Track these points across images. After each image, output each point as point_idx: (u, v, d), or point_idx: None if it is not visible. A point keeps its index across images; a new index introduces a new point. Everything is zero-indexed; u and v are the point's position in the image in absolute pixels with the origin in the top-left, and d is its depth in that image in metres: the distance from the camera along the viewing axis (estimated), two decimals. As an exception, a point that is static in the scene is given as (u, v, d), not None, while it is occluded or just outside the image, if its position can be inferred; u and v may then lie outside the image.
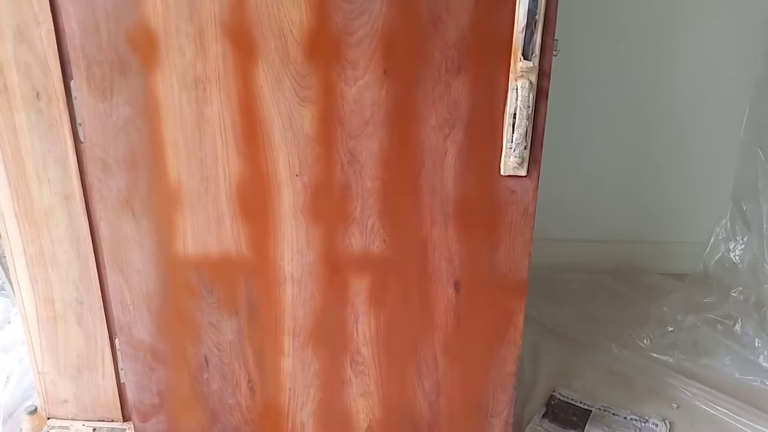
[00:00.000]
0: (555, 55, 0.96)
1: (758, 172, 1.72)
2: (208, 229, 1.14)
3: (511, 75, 0.97)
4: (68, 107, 1.18)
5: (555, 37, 0.96)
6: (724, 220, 1.84)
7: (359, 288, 1.17)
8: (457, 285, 1.15)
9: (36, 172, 1.23)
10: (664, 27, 1.77)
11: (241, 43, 1.02)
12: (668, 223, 1.98)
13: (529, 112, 0.96)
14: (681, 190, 1.94)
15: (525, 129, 0.97)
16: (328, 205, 1.11)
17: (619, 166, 1.92)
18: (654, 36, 1.77)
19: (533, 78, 0.96)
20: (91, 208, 1.24)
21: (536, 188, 1.05)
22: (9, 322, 1.70)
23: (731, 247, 1.83)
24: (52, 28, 1.11)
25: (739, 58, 1.78)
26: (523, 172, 1.03)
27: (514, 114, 0.97)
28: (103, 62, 1.06)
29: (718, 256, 1.85)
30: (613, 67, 1.80)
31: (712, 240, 1.86)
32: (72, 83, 1.14)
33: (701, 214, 1.92)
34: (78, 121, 1.17)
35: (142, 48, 1.04)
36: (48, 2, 1.10)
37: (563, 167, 1.82)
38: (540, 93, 0.98)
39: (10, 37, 1.13)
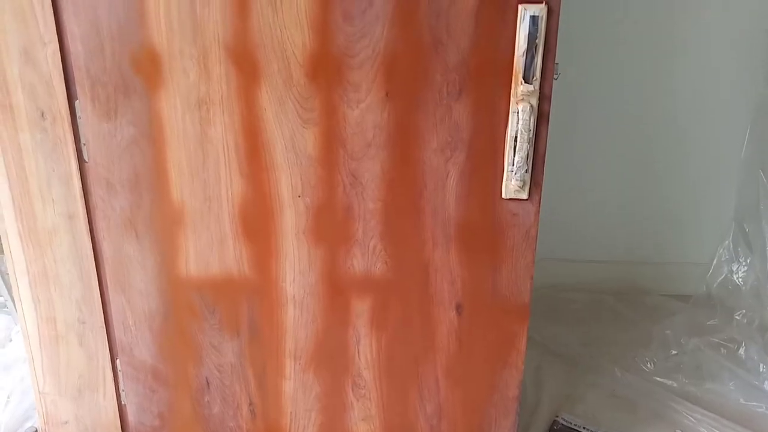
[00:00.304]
0: (556, 79, 0.96)
1: (760, 194, 1.71)
2: (210, 249, 1.14)
3: (512, 98, 0.97)
4: (73, 127, 1.18)
5: (555, 61, 0.96)
6: (726, 242, 1.84)
7: (361, 310, 1.16)
8: (459, 307, 1.14)
9: (40, 192, 1.23)
10: (663, 47, 1.77)
11: (245, 65, 1.03)
12: (671, 244, 1.97)
13: (530, 136, 0.97)
14: (683, 211, 1.94)
15: (526, 152, 0.97)
16: (330, 226, 1.11)
17: (620, 185, 1.92)
18: (653, 57, 1.78)
19: (534, 101, 0.96)
20: (94, 228, 1.24)
21: (538, 211, 1.05)
22: (10, 341, 1.70)
23: (734, 268, 1.82)
24: (58, 48, 1.12)
25: (739, 79, 1.78)
26: (524, 196, 1.03)
27: (516, 137, 0.98)
28: (108, 83, 1.07)
29: (721, 278, 1.84)
30: (613, 88, 1.81)
31: (714, 261, 1.85)
32: (77, 103, 1.15)
33: (704, 234, 1.91)
34: (82, 141, 1.18)
35: (147, 69, 1.05)
36: (54, 23, 1.11)
37: (565, 187, 1.82)
38: (541, 116, 0.98)
39: (16, 57, 1.14)
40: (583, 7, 1.68)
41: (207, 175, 1.10)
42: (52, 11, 1.05)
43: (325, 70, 1.02)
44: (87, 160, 1.17)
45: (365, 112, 1.03)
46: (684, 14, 1.74)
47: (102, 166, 1.13)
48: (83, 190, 1.22)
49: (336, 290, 1.15)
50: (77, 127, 1.18)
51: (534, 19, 0.92)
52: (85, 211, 1.24)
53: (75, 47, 1.06)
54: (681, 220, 1.95)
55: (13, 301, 1.35)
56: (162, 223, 1.14)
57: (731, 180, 1.85)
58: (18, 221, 1.25)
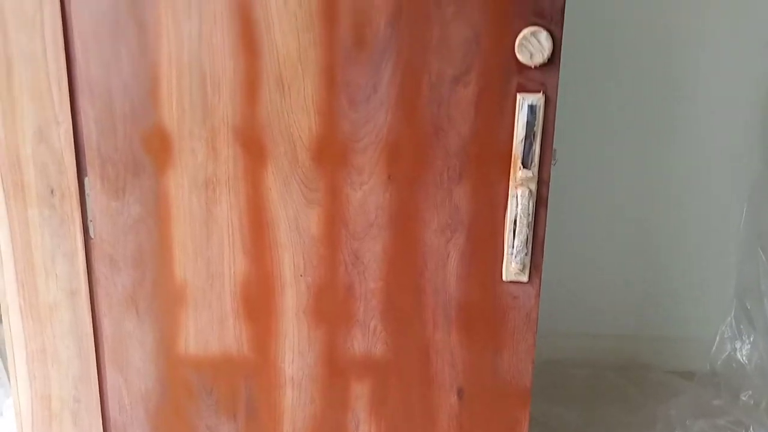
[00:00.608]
0: (554, 164, 0.99)
1: (760, 272, 1.71)
2: (210, 328, 1.14)
3: (511, 183, 1.00)
4: (80, 204, 1.21)
5: (553, 147, 0.99)
6: (728, 319, 1.82)
7: (360, 392, 1.15)
8: (460, 392, 1.12)
9: (44, 267, 1.24)
10: (660, 127, 1.81)
11: (252, 146, 1.06)
12: (673, 319, 1.96)
13: (530, 220, 0.98)
14: (685, 287, 1.93)
15: (526, 236, 0.99)
16: (331, 305, 1.11)
17: (622, 260, 1.92)
18: (650, 136, 1.82)
19: (533, 186, 0.98)
20: (95, 305, 1.24)
21: (538, 294, 1.05)
22: (1, 414, 1.66)
23: (737, 346, 1.80)
24: (71, 128, 1.16)
25: (736, 154, 1.81)
26: (524, 278, 1.04)
27: (515, 221, 0.99)
28: (118, 162, 1.10)
29: (724, 356, 1.81)
30: (612, 167, 1.84)
31: (717, 338, 1.83)
32: (86, 180, 1.17)
33: (706, 310, 1.90)
34: (89, 217, 1.20)
35: (157, 149, 1.08)
36: (69, 104, 1.15)
37: (567, 262, 1.82)
38: (540, 200, 1.00)
39: (30, 137, 1.17)
40: (579, 92, 1.73)
41: (210, 253, 1.11)
42: (68, 92, 1.09)
43: (330, 153, 1.04)
44: (93, 237, 1.18)
45: (368, 194, 1.05)
46: (679, 93, 1.79)
47: (107, 242, 1.14)
48: (87, 266, 1.23)
49: (335, 371, 1.14)
50: (85, 203, 1.20)
51: (532, 108, 0.95)
52: (88, 287, 1.24)
53: (88, 127, 1.09)
54: (683, 296, 1.94)
55: (8, 372, 1.33)
56: (164, 301, 1.14)
57: (730, 256, 1.86)
58: (20, 296, 1.26)
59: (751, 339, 1.76)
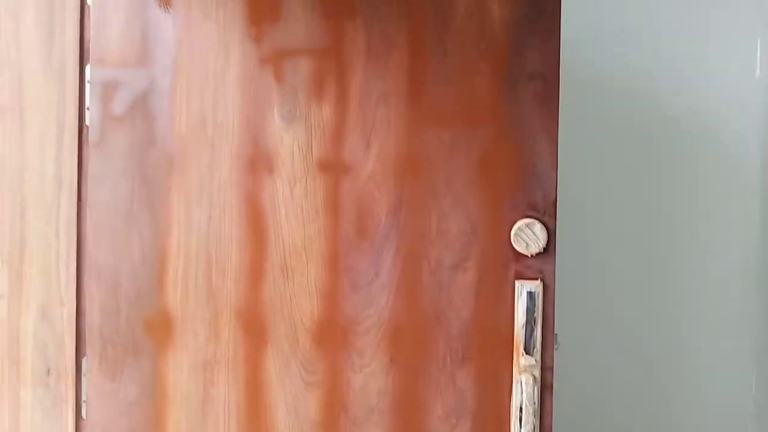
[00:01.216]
0: (556, 349, 0.99)
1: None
2: None
3: (514, 368, 0.99)
4: (75, 384, 1.18)
5: (555, 331, 1.00)
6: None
7: None
8: None
9: (31, 450, 1.19)
10: (663, 294, 1.82)
11: (253, 328, 1.06)
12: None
13: (536, 408, 0.96)
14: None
15: (532, 426, 0.96)
16: (328, 497, 1.06)
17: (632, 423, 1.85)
18: (654, 301, 1.82)
19: (537, 372, 0.98)
20: (80, 493, 1.18)
21: (547, 486, 1.01)
22: None
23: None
24: (74, 309, 1.17)
25: (742, 320, 1.80)
26: (532, 469, 1.00)
27: (521, 408, 0.98)
28: (118, 343, 1.09)
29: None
30: (622, 339, 1.82)
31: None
32: (84, 361, 1.16)
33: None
34: (83, 398, 1.17)
35: (159, 331, 1.08)
36: (75, 285, 1.17)
37: (578, 421, 1.75)
38: (544, 387, 0.99)
39: (34, 315, 1.18)
40: (576, 275, 1.75)
41: (205, 437, 1.08)
42: (75, 274, 1.11)
43: (331, 335, 1.05)
44: (84, 418, 1.15)
45: (369, 377, 1.04)
46: (683, 257, 1.81)
47: (99, 425, 1.11)
48: (76, 449, 1.19)
49: None
50: (80, 384, 1.18)
51: (531, 295, 0.98)
52: (74, 474, 1.19)
53: (91, 309, 1.10)
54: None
55: None
56: (153, 490, 1.08)
57: (746, 422, 1.79)
58: (1, 483, 1.19)
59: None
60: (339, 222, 1.02)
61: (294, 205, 1.03)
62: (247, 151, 1.04)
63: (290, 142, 1.04)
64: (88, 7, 1.08)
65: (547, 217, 0.96)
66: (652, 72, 1.78)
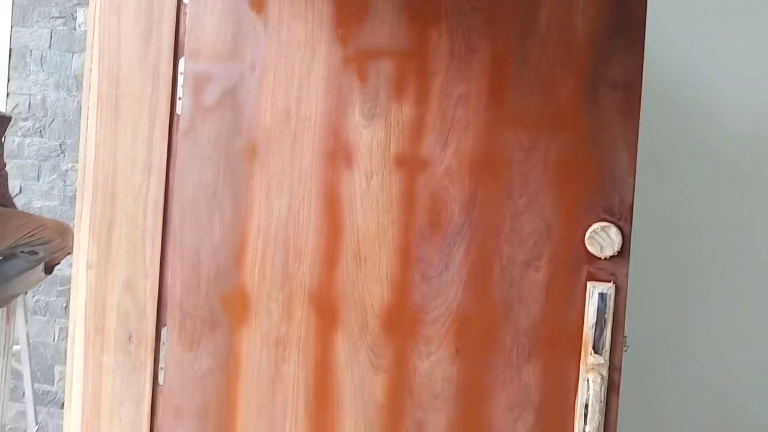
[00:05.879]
0: (625, 351, 0.99)
1: None
2: (267, 489, 1.13)
3: (581, 366, 1.00)
4: (155, 352, 1.25)
5: (624, 333, 1.00)
6: None
7: None
8: None
9: (110, 411, 1.27)
10: (729, 315, 1.78)
11: (325, 311, 1.10)
12: None
13: (602, 406, 0.97)
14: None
15: (598, 422, 0.98)
16: (390, 476, 1.10)
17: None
18: (721, 318, 1.79)
19: (604, 372, 0.99)
20: (155, 454, 1.25)
21: (609, 484, 1.02)
22: None
23: None
24: (158, 281, 1.23)
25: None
26: (594, 465, 1.01)
27: (586, 405, 0.99)
28: (197, 317, 1.15)
29: None
30: (688, 356, 1.80)
31: None
32: (164, 330, 1.23)
33: None
34: (161, 365, 1.24)
35: (234, 308, 1.13)
36: (159, 260, 1.23)
37: None
38: (611, 387, 0.99)
39: (118, 287, 1.25)
40: (650, 281, 1.73)
41: (274, 410, 1.13)
42: (159, 250, 1.17)
43: (400, 322, 1.08)
44: (161, 384, 1.21)
45: (435, 365, 1.07)
46: (756, 265, 1.77)
47: (175, 392, 1.17)
48: (151, 413, 1.26)
49: None
50: (159, 352, 1.25)
51: (603, 296, 0.98)
52: (150, 434, 1.26)
53: (174, 282, 1.16)
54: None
55: None
56: (224, 457, 1.14)
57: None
58: (83, 438, 1.28)
59: None
60: (412, 215, 1.04)
61: (370, 197, 1.05)
62: (328, 144, 1.07)
63: (369, 137, 1.06)
64: (184, 5, 1.12)
65: (623, 221, 0.96)
66: (724, 85, 1.74)
